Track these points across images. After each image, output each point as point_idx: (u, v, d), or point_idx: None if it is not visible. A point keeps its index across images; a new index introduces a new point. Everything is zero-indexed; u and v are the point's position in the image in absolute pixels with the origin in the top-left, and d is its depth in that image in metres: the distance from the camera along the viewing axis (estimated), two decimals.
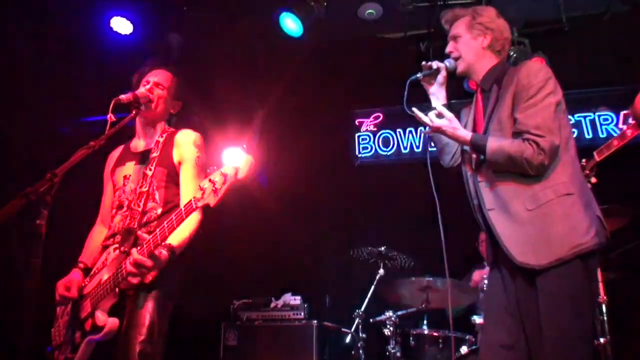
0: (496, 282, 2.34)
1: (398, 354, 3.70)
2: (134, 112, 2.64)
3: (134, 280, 2.39)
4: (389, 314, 3.77)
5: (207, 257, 3.89)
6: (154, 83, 2.81)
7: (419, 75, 2.57)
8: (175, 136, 2.77)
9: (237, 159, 2.17)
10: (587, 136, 5.58)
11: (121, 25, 4.96)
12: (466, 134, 2.31)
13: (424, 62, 2.59)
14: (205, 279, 4.37)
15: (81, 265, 2.74)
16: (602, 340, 3.38)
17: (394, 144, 5.90)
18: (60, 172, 1.99)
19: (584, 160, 3.01)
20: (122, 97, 2.58)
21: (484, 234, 2.64)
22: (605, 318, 3.39)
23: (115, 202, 2.73)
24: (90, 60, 5.33)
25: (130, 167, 2.76)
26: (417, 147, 5.86)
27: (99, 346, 2.48)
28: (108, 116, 2.43)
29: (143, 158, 2.77)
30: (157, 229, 2.34)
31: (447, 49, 2.54)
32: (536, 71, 2.28)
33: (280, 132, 5.70)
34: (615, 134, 5.48)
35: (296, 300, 4.31)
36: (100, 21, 4.92)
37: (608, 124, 5.59)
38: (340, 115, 6.01)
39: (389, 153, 5.89)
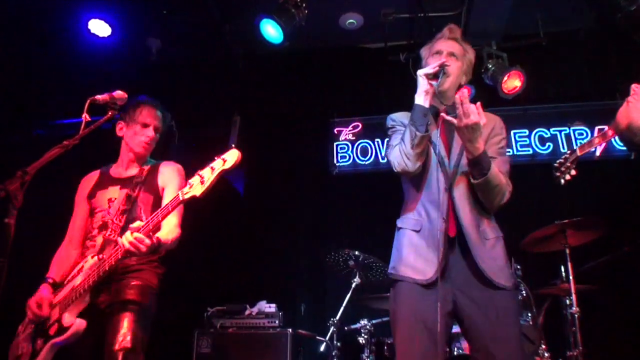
0: (427, 297, 2.25)
1: None
2: (110, 113, 2.60)
3: (138, 253, 2.38)
4: (364, 322, 3.76)
5: (181, 263, 3.84)
6: (154, 128, 2.98)
7: (429, 70, 2.41)
8: (160, 166, 2.96)
9: (225, 153, 2.24)
10: (562, 150, 5.66)
11: (99, 27, 4.90)
12: (481, 143, 2.27)
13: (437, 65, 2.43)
14: (179, 286, 4.30)
15: (50, 280, 2.76)
16: (575, 352, 3.42)
17: (372, 153, 5.91)
18: (32, 170, 1.96)
19: (567, 152, 3.07)
20: (98, 97, 2.55)
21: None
22: (578, 330, 3.43)
23: (97, 223, 2.81)
24: (67, 63, 5.27)
25: (115, 191, 2.86)
26: None
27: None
28: (83, 116, 2.40)
29: (127, 183, 2.87)
30: (147, 219, 2.41)
31: (444, 59, 2.45)
32: (503, 126, 2.53)
33: (258, 139, 5.67)
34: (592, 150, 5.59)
35: (271, 308, 4.27)
36: (77, 23, 4.86)
37: (583, 139, 5.68)
38: (319, 124, 6.00)
39: (367, 162, 5.90)
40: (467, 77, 2.62)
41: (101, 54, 5.11)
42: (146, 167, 2.93)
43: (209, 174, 2.21)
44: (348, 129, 6.04)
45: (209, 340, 4.18)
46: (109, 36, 4.92)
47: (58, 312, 2.56)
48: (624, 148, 5.57)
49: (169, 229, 2.64)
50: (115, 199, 2.83)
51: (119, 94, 2.65)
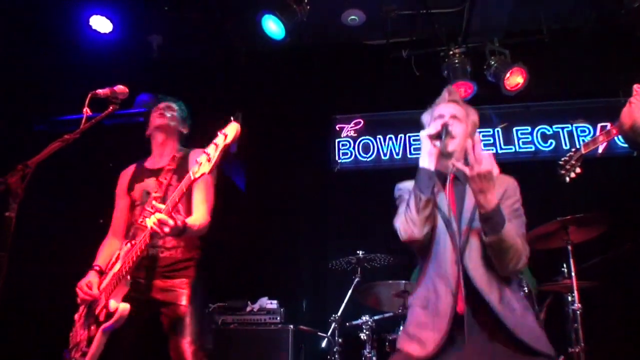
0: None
1: (374, 358, 3.68)
2: (111, 108, 2.59)
3: (162, 234, 2.45)
4: (366, 318, 3.75)
5: None
6: (165, 106, 3.13)
7: (431, 130, 2.30)
8: (190, 153, 3.02)
9: (226, 127, 2.31)
10: (564, 147, 5.68)
11: (100, 23, 4.90)
12: (494, 195, 2.09)
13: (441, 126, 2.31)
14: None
15: (97, 268, 2.89)
16: (576, 348, 3.41)
17: (374, 150, 5.93)
18: (32, 163, 1.94)
19: (572, 150, 3.06)
20: (99, 91, 2.54)
21: None
22: (579, 326, 3.42)
23: (137, 215, 2.91)
24: (68, 59, 5.26)
25: (151, 182, 2.96)
26: (397, 154, 5.89)
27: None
28: (84, 110, 2.40)
29: (161, 173, 2.95)
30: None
31: (448, 122, 2.33)
32: (517, 187, 2.37)
33: (259, 136, 5.66)
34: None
35: (272, 304, 4.27)
36: (79, 19, 4.86)
37: (585, 136, 5.70)
38: (321, 121, 6.00)
39: (368, 159, 5.91)
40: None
41: (102, 51, 5.10)
42: (178, 155, 3.00)
43: (213, 151, 2.27)
44: (350, 126, 6.05)
45: (211, 336, 4.18)
46: (110, 32, 4.92)
47: (104, 298, 2.66)
48: (627, 146, 5.55)
49: (198, 215, 2.74)
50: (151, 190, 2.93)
51: (120, 88, 2.63)
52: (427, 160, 2.25)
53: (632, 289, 4.72)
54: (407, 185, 2.43)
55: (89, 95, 2.46)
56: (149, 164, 3.10)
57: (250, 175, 5.76)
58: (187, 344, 2.67)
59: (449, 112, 2.41)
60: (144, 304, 2.75)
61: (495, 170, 2.07)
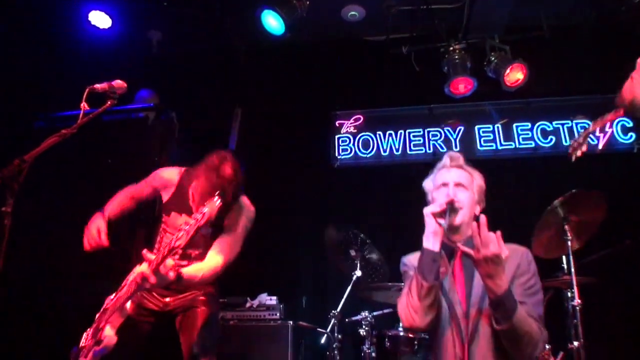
0: None
1: (373, 354, 3.67)
2: (109, 103, 2.58)
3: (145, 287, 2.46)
4: (365, 314, 3.75)
5: None
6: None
7: (436, 208, 2.15)
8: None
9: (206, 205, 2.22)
10: (564, 143, 5.67)
11: (99, 19, 4.89)
12: (504, 279, 1.94)
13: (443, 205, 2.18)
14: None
15: (105, 213, 2.96)
16: (575, 344, 3.40)
17: (373, 146, 5.92)
18: (29, 158, 1.94)
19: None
20: (97, 86, 2.54)
21: None
22: (579, 322, 3.41)
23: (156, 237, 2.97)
24: (67, 54, 5.25)
25: (182, 220, 2.83)
26: (397, 150, 5.88)
27: None
28: (81, 105, 2.39)
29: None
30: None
31: (453, 196, 2.20)
32: (531, 260, 2.19)
33: (259, 132, 5.66)
34: (592, 142, 5.58)
35: (272, 300, 4.27)
36: (78, 15, 4.84)
37: None
38: (321, 117, 5.99)
39: (368, 155, 5.90)
40: (482, 206, 2.32)
41: (102, 46, 5.09)
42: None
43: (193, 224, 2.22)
44: (349, 122, 6.04)
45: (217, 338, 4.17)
46: (109, 28, 4.91)
47: (105, 319, 2.63)
48: (627, 142, 5.57)
49: (208, 264, 2.66)
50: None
51: (118, 83, 2.63)
52: (431, 241, 2.08)
53: (632, 285, 4.71)
54: (412, 260, 2.27)
55: (87, 90, 2.45)
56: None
57: (249, 171, 5.73)
58: (195, 347, 2.75)
59: (452, 179, 2.26)
60: (159, 313, 2.88)
61: (505, 252, 1.91)
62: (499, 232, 1.91)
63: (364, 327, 3.70)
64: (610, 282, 4.11)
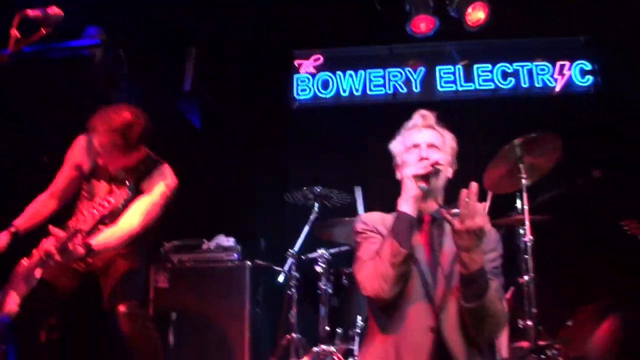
0: None
1: (329, 290, 3.71)
2: (42, 31, 2.39)
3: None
4: (322, 251, 3.74)
5: None
6: None
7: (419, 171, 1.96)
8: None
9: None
10: (523, 85, 5.72)
11: None
12: (481, 255, 1.79)
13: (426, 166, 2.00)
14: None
15: (12, 229, 2.80)
16: (525, 277, 3.50)
17: (333, 86, 5.83)
18: None
19: None
20: (29, 11, 2.33)
21: None
22: (530, 257, 3.49)
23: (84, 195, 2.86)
24: None
25: (102, 187, 2.83)
26: (357, 91, 5.80)
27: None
28: (12, 31, 2.21)
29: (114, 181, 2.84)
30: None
31: (429, 156, 2.03)
32: (499, 239, 2.05)
33: (215, 72, 5.47)
34: (551, 84, 5.63)
35: (229, 241, 4.22)
36: None
37: (545, 74, 5.73)
38: (279, 56, 5.83)
39: (328, 96, 5.82)
40: (454, 168, 2.17)
41: None
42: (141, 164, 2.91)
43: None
44: (309, 62, 5.91)
45: (166, 275, 4.13)
46: None
47: (12, 286, 2.58)
48: (585, 84, 5.63)
49: (119, 228, 2.61)
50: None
51: (53, 9, 2.41)
52: (409, 205, 1.91)
53: (582, 222, 4.88)
54: (372, 220, 2.08)
55: (18, 16, 2.26)
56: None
57: (206, 112, 5.59)
58: (121, 307, 2.69)
59: (424, 140, 2.08)
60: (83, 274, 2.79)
61: (488, 225, 1.77)
62: (485, 203, 1.78)
63: (320, 264, 3.71)
64: (562, 220, 4.21)
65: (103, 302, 2.79)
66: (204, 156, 5.30)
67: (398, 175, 2.10)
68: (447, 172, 2.10)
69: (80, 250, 2.36)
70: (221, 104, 5.50)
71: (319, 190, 3.83)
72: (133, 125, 2.66)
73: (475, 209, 1.72)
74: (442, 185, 2.07)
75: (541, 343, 3.39)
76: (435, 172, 1.98)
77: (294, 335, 3.67)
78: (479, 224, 1.71)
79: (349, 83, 5.81)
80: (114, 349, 2.91)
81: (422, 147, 2.05)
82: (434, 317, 1.86)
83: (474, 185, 1.73)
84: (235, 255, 4.17)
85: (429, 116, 2.17)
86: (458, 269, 1.82)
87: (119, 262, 2.81)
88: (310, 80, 5.86)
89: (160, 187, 2.80)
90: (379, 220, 2.06)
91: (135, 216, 2.65)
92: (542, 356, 3.23)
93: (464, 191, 1.74)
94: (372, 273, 1.86)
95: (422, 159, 2.00)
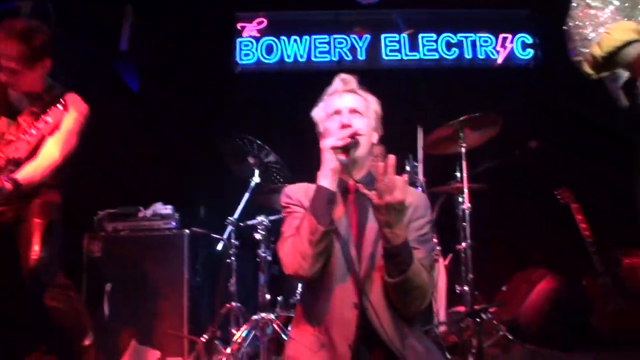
0: None
1: (269, 257, 3.66)
2: None
3: None
4: (261, 218, 3.68)
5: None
6: None
7: (337, 142, 1.84)
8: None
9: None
10: (467, 56, 5.78)
11: None
12: (403, 229, 1.74)
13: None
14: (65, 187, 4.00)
15: None
16: (463, 244, 3.57)
17: (277, 51, 5.70)
18: None
19: None
20: None
21: None
22: (468, 224, 3.56)
23: None
24: None
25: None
26: (301, 57, 5.70)
27: None
28: None
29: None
30: None
31: (351, 122, 1.93)
32: (429, 206, 2.00)
33: (152, 33, 5.22)
34: (493, 56, 5.70)
35: (167, 209, 4.10)
36: None
37: (487, 46, 5.79)
38: (221, 19, 5.61)
39: (271, 61, 5.69)
40: (379, 133, 2.06)
41: None
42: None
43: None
44: (252, 25, 5.73)
45: (100, 244, 3.97)
46: None
47: None
48: (526, 57, 5.73)
49: (42, 160, 2.52)
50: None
51: None
52: (328, 180, 1.81)
53: (519, 191, 5.04)
54: (297, 192, 1.99)
55: None
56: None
57: (143, 76, 5.35)
58: (34, 255, 2.57)
59: (345, 105, 1.97)
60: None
61: (409, 199, 1.72)
62: (405, 176, 1.70)
63: (259, 231, 3.65)
64: (500, 189, 4.31)
65: (18, 261, 2.62)
66: (140, 121, 5.09)
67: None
68: (372, 137, 2.01)
69: (8, 185, 2.28)
70: (159, 67, 5.26)
71: (257, 146, 3.71)
72: (35, 30, 2.52)
73: (394, 183, 1.65)
74: (366, 152, 1.97)
75: (477, 307, 3.49)
76: (354, 143, 1.87)
77: (233, 304, 3.61)
78: (398, 199, 1.65)
79: (294, 49, 5.69)
80: (32, 315, 2.74)
81: (343, 113, 1.96)
82: (357, 293, 1.81)
83: (391, 158, 1.66)
84: (173, 223, 4.07)
85: (351, 80, 2.06)
86: (382, 247, 1.77)
87: (35, 218, 2.66)
88: (253, 44, 5.69)
89: (72, 114, 2.65)
90: (303, 192, 1.96)
91: (55, 147, 2.56)
92: (477, 319, 3.31)
93: (380, 165, 1.66)
94: (292, 251, 1.80)
95: (343, 125, 1.91)
